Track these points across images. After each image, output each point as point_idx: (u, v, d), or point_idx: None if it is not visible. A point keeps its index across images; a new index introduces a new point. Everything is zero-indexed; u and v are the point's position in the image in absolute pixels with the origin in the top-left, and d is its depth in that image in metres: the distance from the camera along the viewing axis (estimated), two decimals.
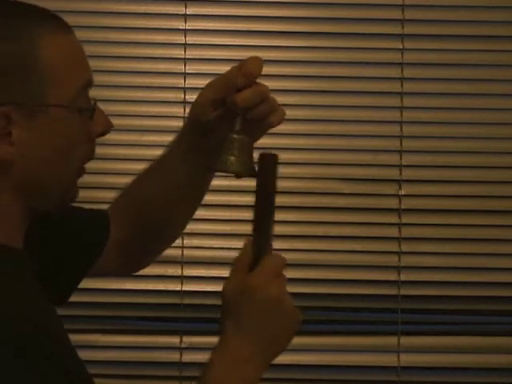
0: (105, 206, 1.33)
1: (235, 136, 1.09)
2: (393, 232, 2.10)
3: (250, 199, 2.02)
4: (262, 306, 1.02)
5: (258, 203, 1.07)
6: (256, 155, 1.08)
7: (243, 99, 1.08)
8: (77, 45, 1.06)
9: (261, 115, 1.11)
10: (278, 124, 1.14)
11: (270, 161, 1.07)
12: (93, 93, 1.08)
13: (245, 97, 1.08)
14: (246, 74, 1.08)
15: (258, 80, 1.10)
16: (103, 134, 1.09)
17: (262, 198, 1.07)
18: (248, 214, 2.06)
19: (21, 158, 1.00)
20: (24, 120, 1.00)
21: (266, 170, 1.07)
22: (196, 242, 2.07)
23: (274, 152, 1.06)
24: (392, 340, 2.10)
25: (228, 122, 1.10)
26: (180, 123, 2.05)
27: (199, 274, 2.09)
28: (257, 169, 1.07)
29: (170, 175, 1.24)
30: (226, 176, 1.12)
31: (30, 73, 1.00)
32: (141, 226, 1.29)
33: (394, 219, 2.10)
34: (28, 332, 0.93)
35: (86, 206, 1.29)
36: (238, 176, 1.09)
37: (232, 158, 1.08)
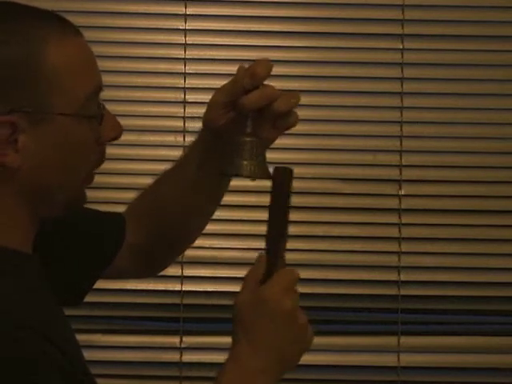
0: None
1: (247, 139, 1.07)
2: (393, 232, 2.09)
3: (249, 199, 2.03)
4: (275, 318, 1.01)
5: (272, 218, 1.03)
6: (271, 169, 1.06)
7: (250, 101, 1.08)
8: (85, 48, 1.05)
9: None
10: (293, 126, 1.15)
11: (284, 175, 1.04)
12: None
13: (252, 99, 1.08)
14: (252, 75, 1.08)
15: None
16: (114, 138, 1.08)
17: (275, 212, 1.03)
18: (248, 214, 2.09)
19: (26, 165, 0.99)
20: (30, 128, 0.98)
21: (280, 184, 1.03)
22: (196, 241, 2.06)
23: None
24: (392, 340, 2.10)
25: (241, 124, 1.09)
26: (180, 123, 2.08)
27: (199, 274, 2.09)
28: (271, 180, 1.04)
29: (187, 180, 1.23)
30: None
31: (36, 80, 0.98)
32: (157, 230, 1.28)
33: (394, 219, 2.10)
34: (37, 344, 0.92)
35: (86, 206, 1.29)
36: (246, 178, 1.07)
37: (245, 161, 1.06)
